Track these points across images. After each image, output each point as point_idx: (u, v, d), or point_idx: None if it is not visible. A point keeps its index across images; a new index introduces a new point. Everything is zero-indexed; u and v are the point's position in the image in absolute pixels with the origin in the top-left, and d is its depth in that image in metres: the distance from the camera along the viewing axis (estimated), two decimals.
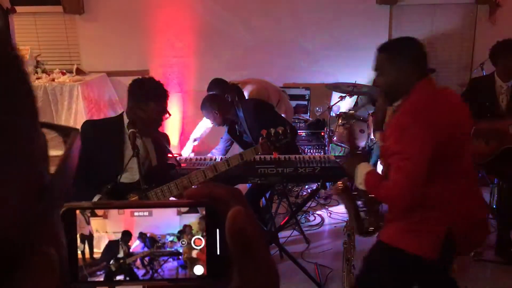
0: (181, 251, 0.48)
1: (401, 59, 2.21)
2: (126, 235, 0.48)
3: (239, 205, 0.44)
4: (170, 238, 0.48)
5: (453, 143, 2.13)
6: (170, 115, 2.83)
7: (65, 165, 0.37)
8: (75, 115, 4.79)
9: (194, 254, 0.48)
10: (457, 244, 2.13)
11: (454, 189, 2.15)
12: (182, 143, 5.92)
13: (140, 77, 2.88)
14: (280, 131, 2.73)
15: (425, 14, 5.73)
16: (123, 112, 2.84)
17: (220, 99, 3.78)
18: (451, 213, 2.13)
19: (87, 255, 0.47)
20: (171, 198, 2.58)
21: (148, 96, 2.71)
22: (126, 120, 2.76)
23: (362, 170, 2.25)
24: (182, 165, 3.20)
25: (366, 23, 5.42)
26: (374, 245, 2.38)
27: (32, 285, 0.31)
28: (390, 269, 2.26)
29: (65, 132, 0.40)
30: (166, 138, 3.04)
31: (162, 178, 2.73)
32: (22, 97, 0.32)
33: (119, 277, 0.48)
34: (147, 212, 0.48)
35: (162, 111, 2.76)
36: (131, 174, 2.71)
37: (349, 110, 4.93)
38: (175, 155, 3.16)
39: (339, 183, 2.53)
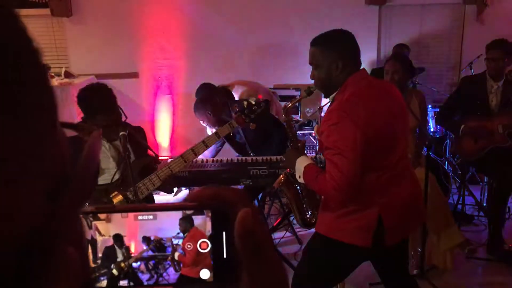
0: (186, 254, 0.47)
1: (331, 51, 2.18)
2: (117, 239, 0.47)
3: (247, 206, 0.43)
4: (175, 241, 0.47)
5: (385, 136, 2.11)
6: (126, 117, 2.73)
7: (86, 163, 0.36)
8: (65, 118, 4.73)
9: (200, 257, 0.47)
10: (386, 232, 2.13)
11: (387, 178, 2.15)
12: (172, 145, 5.89)
13: (87, 85, 2.77)
14: (253, 102, 2.71)
15: (413, 14, 5.76)
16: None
17: (213, 100, 3.76)
18: (383, 201, 2.14)
19: (90, 260, 0.46)
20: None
21: (91, 110, 2.63)
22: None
23: (301, 163, 2.25)
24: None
25: (355, 24, 5.41)
26: (312, 236, 2.39)
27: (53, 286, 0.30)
28: (326, 259, 2.28)
29: (86, 131, 0.39)
30: (141, 132, 2.97)
31: (142, 172, 2.69)
32: (42, 91, 0.30)
33: (123, 282, 0.47)
34: (152, 216, 0.47)
35: (111, 120, 2.65)
36: (109, 175, 2.69)
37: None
38: (166, 156, 3.11)
39: (281, 176, 2.53)
